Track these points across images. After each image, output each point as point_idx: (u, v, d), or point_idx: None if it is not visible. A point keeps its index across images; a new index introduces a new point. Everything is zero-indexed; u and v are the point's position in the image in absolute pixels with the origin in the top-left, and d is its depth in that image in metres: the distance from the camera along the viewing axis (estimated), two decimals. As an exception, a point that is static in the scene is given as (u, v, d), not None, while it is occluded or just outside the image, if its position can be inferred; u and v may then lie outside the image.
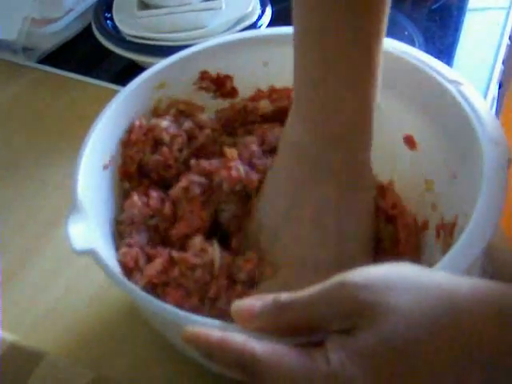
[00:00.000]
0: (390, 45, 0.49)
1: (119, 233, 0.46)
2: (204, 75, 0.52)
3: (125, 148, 0.49)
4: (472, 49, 0.78)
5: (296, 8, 0.42)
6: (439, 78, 0.47)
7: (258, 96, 0.53)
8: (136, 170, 0.49)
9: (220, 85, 0.53)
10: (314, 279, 0.33)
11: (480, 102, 0.45)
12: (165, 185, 0.49)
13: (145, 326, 0.48)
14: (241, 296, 0.41)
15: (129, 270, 0.43)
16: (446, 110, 0.46)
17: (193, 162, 0.48)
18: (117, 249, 0.45)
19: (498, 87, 0.85)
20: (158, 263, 0.43)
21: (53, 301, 0.52)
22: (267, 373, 0.30)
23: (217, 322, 0.34)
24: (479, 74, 0.74)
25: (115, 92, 0.49)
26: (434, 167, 0.48)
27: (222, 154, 0.49)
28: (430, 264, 0.37)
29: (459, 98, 0.45)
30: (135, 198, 0.46)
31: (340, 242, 0.43)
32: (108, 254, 0.41)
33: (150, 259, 0.44)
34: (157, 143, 0.49)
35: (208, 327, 0.32)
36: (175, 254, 0.44)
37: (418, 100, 0.48)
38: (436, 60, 0.48)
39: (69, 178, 0.43)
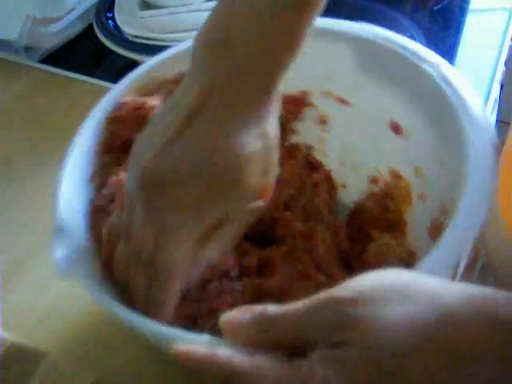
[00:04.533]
0: (370, 32, 0.49)
1: (96, 208, 0.44)
2: None
3: (110, 123, 0.47)
4: (474, 50, 0.78)
5: None
6: (420, 63, 0.46)
7: None
8: (120, 145, 0.47)
9: None
10: None
11: (462, 83, 0.43)
12: None
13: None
14: None
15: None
16: (428, 94, 0.45)
17: None
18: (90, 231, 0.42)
19: (499, 88, 0.85)
20: None
21: (53, 301, 0.52)
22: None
23: (205, 338, 0.33)
24: (481, 74, 0.74)
25: (117, 92, 0.49)
26: (422, 154, 0.48)
27: None
28: (421, 252, 0.36)
29: (440, 82, 0.44)
30: (122, 176, 0.44)
31: None
32: (93, 275, 0.40)
33: None
34: (145, 121, 0.47)
35: (196, 344, 0.32)
36: None
37: (401, 86, 0.48)
38: (415, 42, 0.47)
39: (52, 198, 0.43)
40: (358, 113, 0.51)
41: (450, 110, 0.42)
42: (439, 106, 0.44)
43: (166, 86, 0.50)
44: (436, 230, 0.43)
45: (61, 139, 0.67)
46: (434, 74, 0.45)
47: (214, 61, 0.37)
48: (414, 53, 0.46)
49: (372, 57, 0.48)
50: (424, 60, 0.46)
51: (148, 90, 0.50)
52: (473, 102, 0.42)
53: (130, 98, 0.48)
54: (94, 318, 0.51)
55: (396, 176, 0.51)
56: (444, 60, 0.46)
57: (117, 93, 0.49)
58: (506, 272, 0.46)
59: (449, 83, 0.44)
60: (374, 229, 0.51)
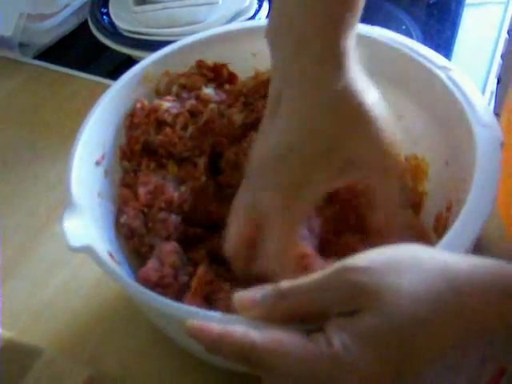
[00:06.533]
0: (379, 33, 0.49)
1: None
2: (200, 63, 0.53)
3: (129, 130, 0.49)
4: (470, 43, 0.78)
5: None
6: (428, 65, 0.47)
7: None
8: (140, 149, 0.50)
9: (217, 72, 0.53)
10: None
11: (470, 86, 0.45)
12: (174, 158, 0.50)
13: (142, 322, 0.48)
14: None
15: None
16: (436, 96, 0.46)
17: None
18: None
19: (496, 81, 0.85)
20: None
21: (50, 297, 0.52)
22: (269, 360, 0.30)
23: (218, 315, 0.34)
24: (478, 68, 0.74)
25: (112, 87, 0.49)
26: (427, 154, 0.48)
27: (230, 127, 0.50)
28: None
29: (449, 84, 0.45)
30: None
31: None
32: (104, 249, 0.41)
33: None
34: (160, 123, 0.49)
35: (209, 320, 0.32)
36: None
37: (408, 87, 0.49)
38: (425, 47, 0.48)
39: (65, 174, 0.43)
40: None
41: (458, 111, 0.43)
42: (446, 107, 0.45)
43: (176, 81, 0.52)
44: (441, 226, 0.44)
45: (56, 134, 0.68)
46: (442, 75, 0.46)
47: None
48: (423, 56, 0.47)
49: (382, 59, 0.49)
50: (433, 63, 0.47)
51: (160, 85, 0.51)
52: (479, 103, 0.43)
53: (142, 103, 0.49)
54: (90, 314, 0.51)
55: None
56: (452, 63, 0.47)
57: (121, 84, 0.50)
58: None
59: (456, 85, 0.45)
60: None
